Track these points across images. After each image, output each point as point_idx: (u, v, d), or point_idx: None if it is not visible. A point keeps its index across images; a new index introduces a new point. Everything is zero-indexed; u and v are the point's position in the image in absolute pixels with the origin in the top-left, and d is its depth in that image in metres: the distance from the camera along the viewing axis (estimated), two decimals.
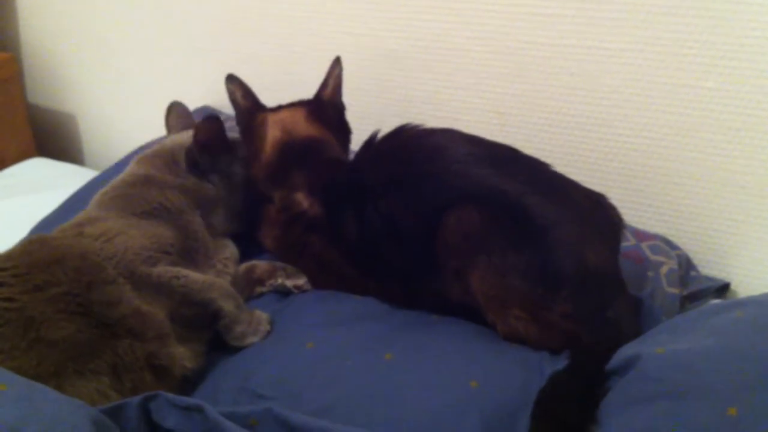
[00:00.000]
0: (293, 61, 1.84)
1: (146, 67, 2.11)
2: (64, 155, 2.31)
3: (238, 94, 1.42)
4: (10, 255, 1.08)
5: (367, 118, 1.61)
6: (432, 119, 1.68)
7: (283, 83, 1.84)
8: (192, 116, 1.56)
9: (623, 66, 1.46)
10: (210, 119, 1.30)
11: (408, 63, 1.69)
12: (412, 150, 1.23)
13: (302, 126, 1.37)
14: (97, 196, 1.28)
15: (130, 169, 1.35)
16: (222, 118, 1.86)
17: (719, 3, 1.33)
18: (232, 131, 1.43)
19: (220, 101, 1.90)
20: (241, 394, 1.05)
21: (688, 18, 1.36)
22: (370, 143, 1.31)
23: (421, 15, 1.62)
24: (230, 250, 1.32)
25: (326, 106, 1.42)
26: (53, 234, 1.17)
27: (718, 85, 1.39)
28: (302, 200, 1.29)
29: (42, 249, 1.08)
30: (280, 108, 1.42)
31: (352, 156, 1.42)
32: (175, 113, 1.52)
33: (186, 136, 1.37)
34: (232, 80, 1.42)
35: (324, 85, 1.43)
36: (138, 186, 1.28)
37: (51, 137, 2.38)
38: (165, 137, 1.48)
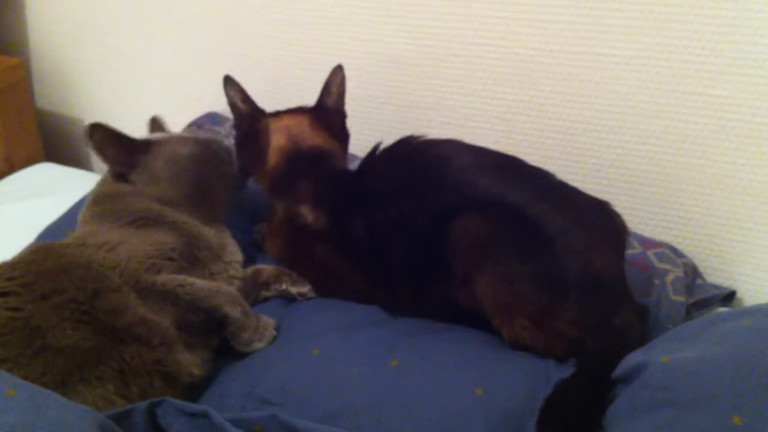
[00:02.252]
0: (301, 67, 1.84)
1: (154, 73, 2.12)
2: (72, 160, 2.31)
3: (238, 98, 1.40)
4: (17, 264, 1.08)
5: (374, 125, 1.62)
6: (438, 126, 1.69)
7: (290, 89, 1.85)
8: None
9: (631, 73, 1.46)
10: (93, 127, 1.22)
11: (415, 69, 1.69)
12: (417, 159, 1.24)
13: (308, 135, 1.36)
14: (81, 216, 1.26)
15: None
16: (227, 124, 1.89)
17: (727, 10, 1.33)
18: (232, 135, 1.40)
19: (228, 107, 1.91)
20: (247, 399, 1.05)
21: (695, 25, 1.37)
22: (374, 153, 1.31)
23: (429, 21, 1.62)
24: (237, 252, 1.30)
25: (330, 114, 1.40)
26: (59, 243, 1.16)
27: (725, 93, 1.39)
28: (307, 213, 1.28)
29: (48, 258, 1.08)
30: (280, 114, 1.41)
31: (351, 162, 1.41)
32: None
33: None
34: (230, 83, 1.39)
35: (327, 92, 1.40)
36: (118, 200, 1.25)
37: (59, 142, 2.39)
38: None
